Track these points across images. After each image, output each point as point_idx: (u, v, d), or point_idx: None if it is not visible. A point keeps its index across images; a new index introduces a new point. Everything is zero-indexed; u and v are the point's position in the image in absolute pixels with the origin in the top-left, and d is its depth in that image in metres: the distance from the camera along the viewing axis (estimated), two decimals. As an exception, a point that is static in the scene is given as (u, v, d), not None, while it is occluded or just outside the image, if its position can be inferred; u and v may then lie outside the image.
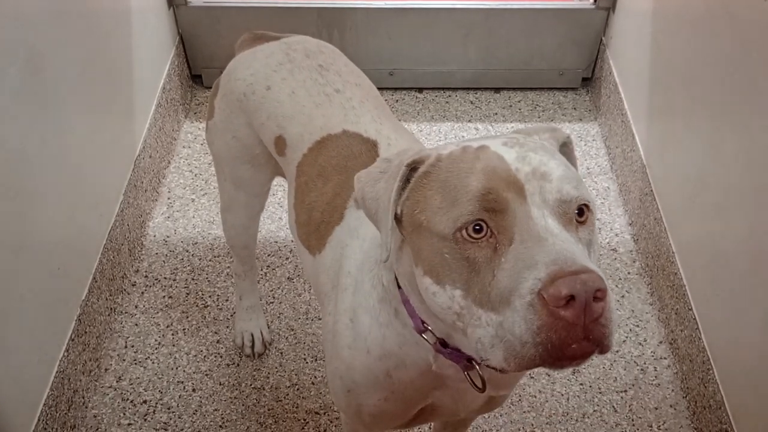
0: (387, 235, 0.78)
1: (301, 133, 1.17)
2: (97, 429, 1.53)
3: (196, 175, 2.13)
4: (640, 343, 1.69)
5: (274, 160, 1.29)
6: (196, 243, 1.93)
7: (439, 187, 0.75)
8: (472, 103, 2.40)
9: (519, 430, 1.53)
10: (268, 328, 1.73)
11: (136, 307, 1.78)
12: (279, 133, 1.20)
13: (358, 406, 0.99)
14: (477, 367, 0.85)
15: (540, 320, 0.66)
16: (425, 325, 0.85)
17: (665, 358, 1.66)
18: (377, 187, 0.81)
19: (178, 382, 1.62)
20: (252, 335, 1.66)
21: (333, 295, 1.02)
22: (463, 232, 0.71)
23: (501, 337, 0.69)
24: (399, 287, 0.87)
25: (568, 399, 1.58)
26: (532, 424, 1.53)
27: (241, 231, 1.50)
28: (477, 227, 0.71)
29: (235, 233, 1.51)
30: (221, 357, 1.66)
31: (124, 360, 1.66)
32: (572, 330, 0.66)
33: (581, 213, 0.79)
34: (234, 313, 1.72)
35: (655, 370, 1.63)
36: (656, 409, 1.56)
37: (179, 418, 1.55)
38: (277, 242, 1.94)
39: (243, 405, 1.57)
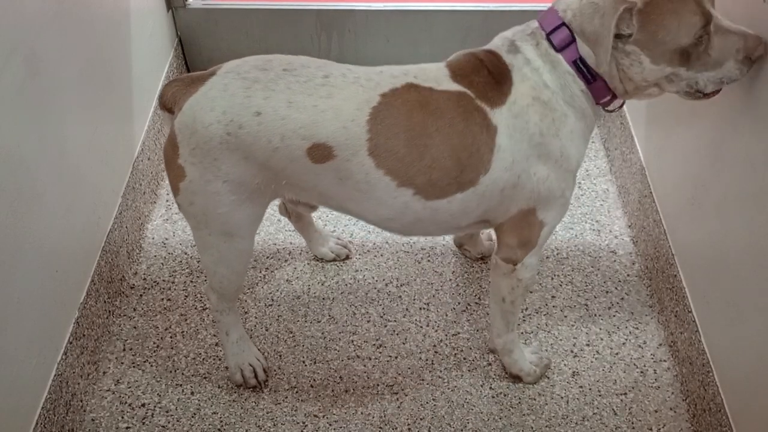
0: (607, 52, 1.16)
1: (344, 126, 1.18)
2: (95, 432, 1.53)
3: (194, 178, 2.13)
4: (639, 346, 1.68)
5: (273, 184, 1.27)
6: (194, 245, 1.93)
7: (669, 15, 1.15)
8: (471, 105, 2.40)
9: (518, 433, 1.53)
10: (267, 330, 1.72)
11: (134, 309, 1.77)
12: (310, 142, 1.18)
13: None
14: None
15: (745, 66, 1.21)
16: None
17: (665, 361, 1.65)
18: (594, 22, 1.16)
19: (176, 385, 1.61)
20: (251, 366, 1.59)
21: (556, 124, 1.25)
22: (696, 38, 1.17)
23: (714, 80, 1.22)
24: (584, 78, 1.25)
25: (567, 402, 1.57)
26: (532, 427, 1.53)
27: (236, 279, 1.45)
28: (699, 36, 1.17)
29: (229, 283, 1.45)
30: (220, 360, 1.66)
31: (122, 363, 1.65)
32: (757, 61, 1.21)
33: None
34: (222, 352, 1.65)
35: (655, 373, 1.63)
36: (656, 411, 1.56)
37: (177, 421, 1.54)
38: (275, 244, 1.94)
39: (242, 408, 1.57)
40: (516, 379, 1.61)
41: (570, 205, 2.03)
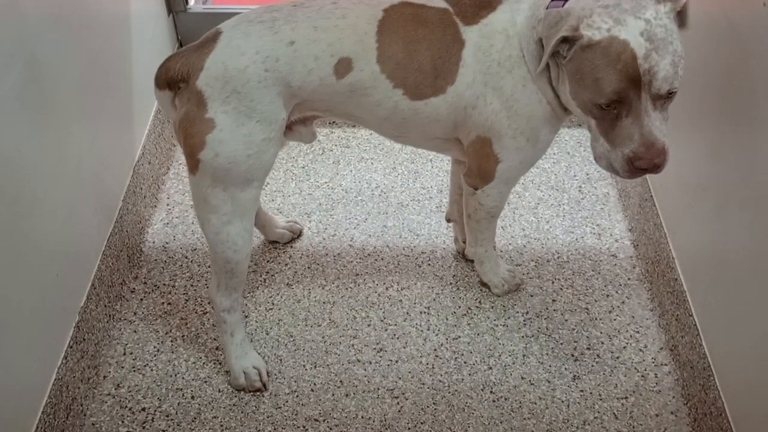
0: (545, 58, 1.26)
1: (360, 39, 1.34)
2: (95, 437, 1.52)
3: (195, 182, 2.13)
4: (640, 350, 1.68)
5: (292, 112, 1.40)
6: (195, 249, 1.93)
7: (591, 69, 1.22)
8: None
9: (519, 437, 1.52)
10: (267, 334, 1.72)
11: (134, 313, 1.77)
12: (337, 58, 1.34)
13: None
14: None
15: (626, 167, 1.27)
16: None
17: (666, 365, 1.65)
18: (550, 32, 1.25)
19: (177, 389, 1.61)
20: (256, 368, 1.59)
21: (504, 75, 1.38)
22: (599, 105, 1.24)
23: (606, 158, 1.30)
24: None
25: (568, 406, 1.57)
26: (533, 431, 1.53)
27: (248, 237, 1.45)
28: (608, 105, 1.23)
29: (242, 243, 1.44)
30: (220, 364, 1.66)
31: (122, 367, 1.65)
32: (641, 174, 1.28)
33: (671, 94, 1.23)
34: (223, 356, 1.64)
35: (656, 377, 1.63)
36: (657, 416, 1.55)
37: (178, 425, 1.54)
38: (276, 249, 1.94)
39: (242, 412, 1.57)
40: (485, 287, 1.81)
41: (571, 207, 2.03)
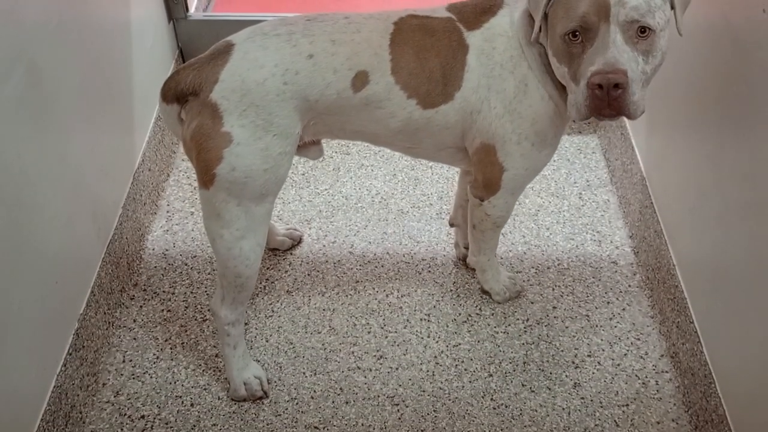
0: (537, 23, 1.29)
1: (375, 52, 1.36)
2: (94, 444, 1.52)
3: (195, 189, 2.13)
4: (641, 357, 1.68)
5: (305, 129, 1.40)
6: (195, 256, 1.93)
7: (565, 4, 1.24)
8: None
9: (520, 444, 1.52)
10: (267, 341, 1.72)
11: (134, 321, 1.77)
12: (354, 72, 1.35)
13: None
14: None
15: (587, 93, 1.22)
16: None
17: (667, 372, 1.65)
18: None
19: (176, 396, 1.61)
20: (257, 377, 1.58)
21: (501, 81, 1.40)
22: (568, 36, 1.24)
23: (574, 102, 1.26)
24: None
25: (569, 413, 1.57)
26: (534, 439, 1.52)
27: (260, 251, 1.44)
28: (575, 34, 1.23)
29: (254, 257, 1.43)
30: (220, 371, 1.65)
31: (122, 374, 1.65)
32: (601, 101, 1.21)
33: (644, 31, 1.21)
34: (222, 364, 1.60)
35: (657, 384, 1.62)
36: (658, 423, 1.55)
37: (177, 433, 1.54)
38: (276, 256, 1.93)
39: (242, 420, 1.56)
40: (486, 295, 1.81)
41: (571, 215, 2.03)
